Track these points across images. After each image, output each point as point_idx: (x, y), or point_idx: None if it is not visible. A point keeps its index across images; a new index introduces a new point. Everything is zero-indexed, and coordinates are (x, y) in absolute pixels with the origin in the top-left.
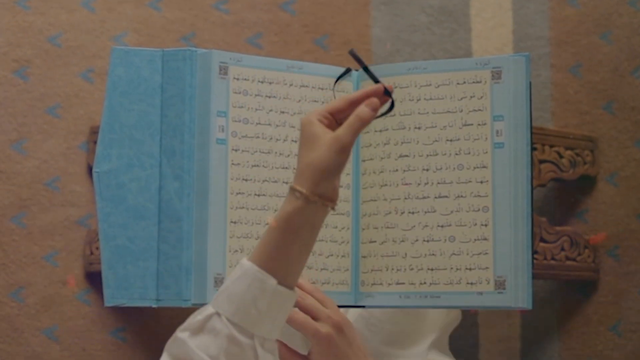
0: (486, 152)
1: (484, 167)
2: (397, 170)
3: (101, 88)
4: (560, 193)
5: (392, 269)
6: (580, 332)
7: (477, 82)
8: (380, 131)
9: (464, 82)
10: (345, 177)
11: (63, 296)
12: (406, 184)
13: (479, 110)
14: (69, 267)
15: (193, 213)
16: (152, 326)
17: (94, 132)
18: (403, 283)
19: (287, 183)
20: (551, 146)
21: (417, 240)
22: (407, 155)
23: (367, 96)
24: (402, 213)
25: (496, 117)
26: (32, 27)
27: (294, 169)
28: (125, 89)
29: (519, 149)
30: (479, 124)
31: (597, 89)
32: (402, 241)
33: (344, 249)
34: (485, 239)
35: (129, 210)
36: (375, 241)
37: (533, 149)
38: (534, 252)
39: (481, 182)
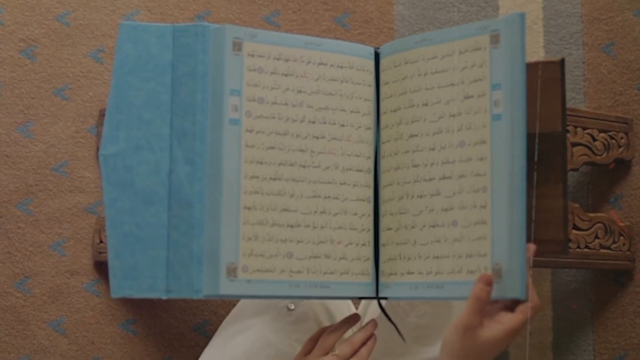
0: (485, 126)
1: (484, 142)
2: (407, 151)
3: (111, 69)
4: (593, 178)
5: (404, 258)
6: (615, 324)
7: (478, 49)
8: (394, 111)
9: (466, 51)
10: (366, 161)
11: (71, 287)
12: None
13: (479, 80)
14: (77, 257)
15: (205, 198)
16: (164, 318)
17: (104, 114)
18: (413, 273)
19: (304, 167)
20: (584, 128)
21: (424, 226)
22: (416, 135)
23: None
24: (412, 197)
25: (494, 86)
26: (40, 4)
27: (312, 151)
28: (133, 66)
29: (516, 120)
30: (479, 95)
31: (631, 68)
32: (413, 227)
33: (365, 237)
34: (484, 223)
35: (138, 196)
36: (391, 228)
37: (566, 131)
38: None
39: (480, 159)
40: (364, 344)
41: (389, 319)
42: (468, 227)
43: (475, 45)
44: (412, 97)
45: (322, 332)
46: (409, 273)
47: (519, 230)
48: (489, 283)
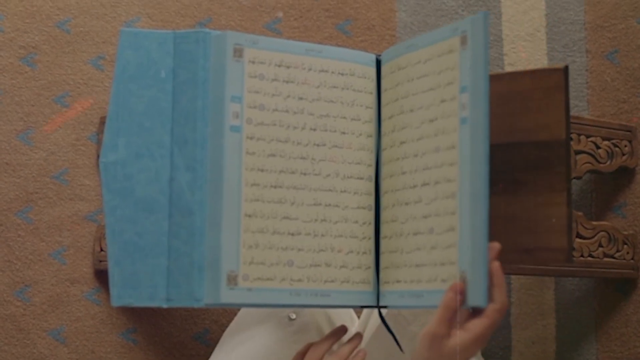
0: (455, 130)
1: (453, 147)
2: (398, 158)
3: (112, 76)
4: (597, 186)
5: (394, 266)
6: (619, 333)
7: (450, 51)
8: (390, 118)
9: (442, 54)
10: (367, 169)
11: (71, 295)
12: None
13: (451, 83)
14: (77, 265)
15: (206, 206)
16: (164, 327)
17: (104, 122)
18: (400, 281)
19: (304, 174)
20: (587, 136)
21: (409, 234)
22: (404, 142)
23: None
24: (401, 205)
25: (462, 88)
26: (40, 11)
27: (313, 159)
28: (134, 73)
29: (478, 123)
30: (451, 99)
31: (635, 75)
32: (400, 235)
33: (365, 245)
34: (453, 230)
35: (138, 204)
36: (387, 236)
37: (569, 139)
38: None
39: (451, 164)
40: (358, 354)
41: (388, 329)
42: (441, 234)
43: (448, 47)
44: (403, 104)
45: (310, 346)
46: (397, 281)
47: (480, 236)
48: (459, 292)
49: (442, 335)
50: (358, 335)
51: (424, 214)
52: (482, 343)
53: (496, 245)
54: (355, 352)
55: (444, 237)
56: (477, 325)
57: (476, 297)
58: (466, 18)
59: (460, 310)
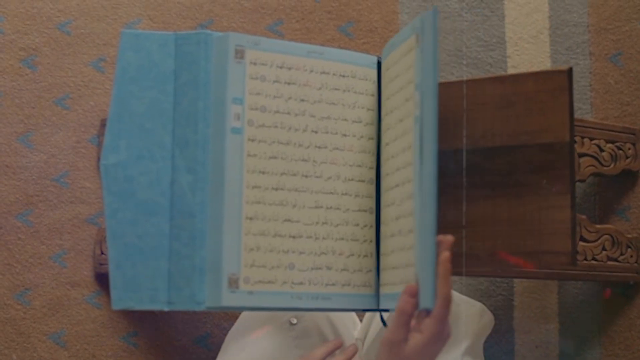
0: (411, 130)
1: (410, 147)
2: (385, 160)
3: (113, 78)
4: (600, 189)
5: (383, 269)
6: (623, 337)
7: (410, 50)
8: (383, 119)
9: (405, 53)
10: (369, 171)
11: (71, 299)
12: None
13: (411, 82)
14: (78, 268)
15: (207, 208)
16: (165, 331)
17: (105, 124)
18: (386, 284)
19: (306, 177)
20: (591, 139)
21: (391, 235)
22: (387, 144)
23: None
24: (386, 206)
25: (417, 86)
26: (41, 13)
27: (314, 161)
28: (135, 75)
29: (426, 121)
30: (410, 98)
31: (638, 78)
32: (385, 237)
33: (367, 248)
34: (412, 231)
35: (139, 206)
36: (382, 238)
37: (573, 141)
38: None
39: (410, 164)
40: None
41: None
42: (406, 235)
43: (409, 46)
44: (386, 105)
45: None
46: (384, 284)
47: (427, 237)
48: (413, 295)
49: (400, 340)
50: (353, 347)
51: (397, 215)
52: (439, 342)
53: (448, 239)
54: None
55: (407, 239)
56: (428, 325)
57: (424, 299)
58: (419, 16)
59: (418, 312)
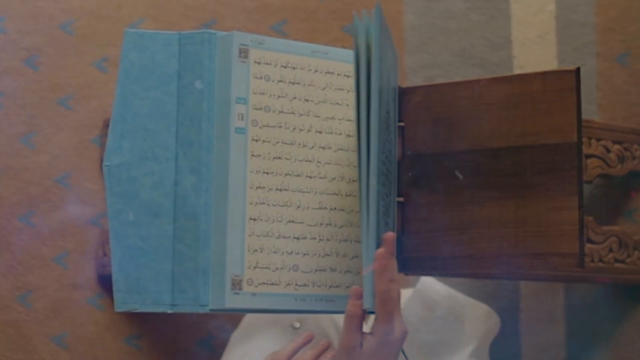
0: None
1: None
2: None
3: (116, 78)
4: (607, 190)
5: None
6: (630, 340)
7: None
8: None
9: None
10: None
11: (74, 301)
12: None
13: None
14: (81, 270)
15: (211, 210)
16: (169, 333)
17: (108, 125)
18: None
19: (310, 178)
20: (598, 140)
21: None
22: None
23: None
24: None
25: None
26: (43, 13)
27: (318, 162)
28: (138, 75)
29: (372, 121)
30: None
31: None
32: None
33: None
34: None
35: (142, 207)
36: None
37: (581, 142)
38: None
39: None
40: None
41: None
42: (359, 241)
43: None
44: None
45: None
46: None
47: (369, 239)
48: (359, 297)
49: (355, 345)
50: (325, 341)
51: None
52: (394, 340)
53: (389, 236)
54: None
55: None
56: (377, 327)
57: (365, 300)
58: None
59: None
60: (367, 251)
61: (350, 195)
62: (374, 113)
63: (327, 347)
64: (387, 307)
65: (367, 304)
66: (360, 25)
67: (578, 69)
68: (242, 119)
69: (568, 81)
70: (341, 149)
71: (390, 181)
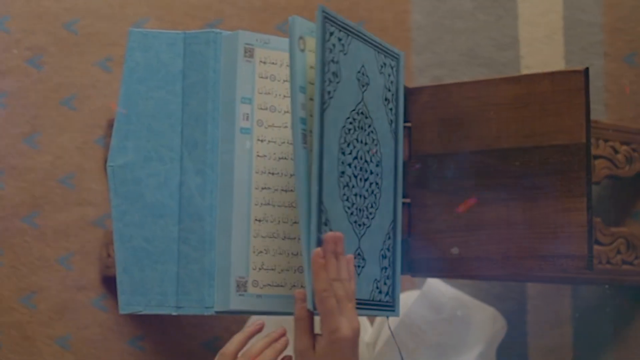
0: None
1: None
2: None
3: (120, 78)
4: (615, 191)
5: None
6: (637, 342)
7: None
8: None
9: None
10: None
11: (78, 302)
12: None
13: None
14: (84, 271)
15: (216, 211)
16: (173, 335)
17: (112, 125)
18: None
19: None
20: (605, 141)
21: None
22: None
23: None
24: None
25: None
26: (47, 12)
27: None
28: (143, 75)
29: (315, 121)
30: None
31: None
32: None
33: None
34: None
35: (147, 208)
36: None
37: (590, 143)
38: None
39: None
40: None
41: (392, 336)
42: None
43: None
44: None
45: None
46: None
47: (307, 239)
48: (303, 299)
49: (307, 348)
50: (281, 329)
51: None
52: (343, 338)
53: (329, 235)
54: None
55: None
56: (321, 326)
57: (308, 301)
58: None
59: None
60: (307, 253)
61: None
62: (296, 116)
63: (283, 334)
64: (326, 305)
65: (309, 305)
66: (294, 28)
67: (587, 69)
68: (247, 119)
69: (577, 81)
70: None
71: (377, 182)
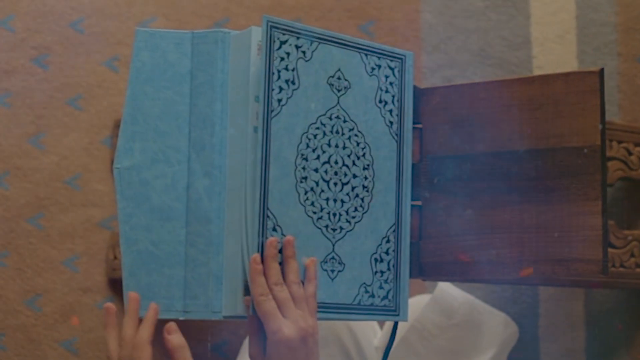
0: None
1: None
2: None
3: (127, 78)
4: (628, 193)
5: None
6: None
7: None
8: None
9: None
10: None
11: (83, 305)
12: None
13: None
14: (90, 273)
15: (224, 214)
16: None
17: (119, 125)
18: None
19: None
20: (619, 142)
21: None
22: None
23: None
24: None
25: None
26: (53, 11)
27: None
28: (150, 75)
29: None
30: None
31: None
32: None
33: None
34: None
35: (154, 211)
36: None
37: (605, 145)
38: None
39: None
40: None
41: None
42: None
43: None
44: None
45: None
46: None
47: (245, 245)
48: (247, 306)
49: (258, 353)
50: (153, 305)
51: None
52: (283, 339)
53: (270, 241)
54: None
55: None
56: (266, 330)
57: (251, 306)
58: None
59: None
60: (247, 259)
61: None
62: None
63: (155, 310)
64: (264, 309)
65: (250, 309)
66: (250, 38)
67: (602, 70)
68: (259, 117)
69: (591, 83)
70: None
71: (364, 185)
